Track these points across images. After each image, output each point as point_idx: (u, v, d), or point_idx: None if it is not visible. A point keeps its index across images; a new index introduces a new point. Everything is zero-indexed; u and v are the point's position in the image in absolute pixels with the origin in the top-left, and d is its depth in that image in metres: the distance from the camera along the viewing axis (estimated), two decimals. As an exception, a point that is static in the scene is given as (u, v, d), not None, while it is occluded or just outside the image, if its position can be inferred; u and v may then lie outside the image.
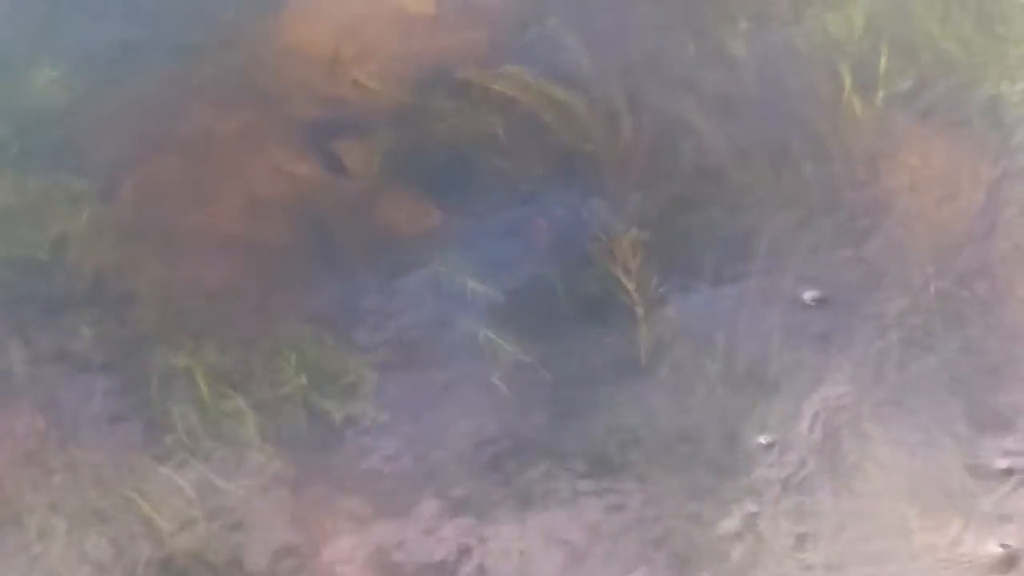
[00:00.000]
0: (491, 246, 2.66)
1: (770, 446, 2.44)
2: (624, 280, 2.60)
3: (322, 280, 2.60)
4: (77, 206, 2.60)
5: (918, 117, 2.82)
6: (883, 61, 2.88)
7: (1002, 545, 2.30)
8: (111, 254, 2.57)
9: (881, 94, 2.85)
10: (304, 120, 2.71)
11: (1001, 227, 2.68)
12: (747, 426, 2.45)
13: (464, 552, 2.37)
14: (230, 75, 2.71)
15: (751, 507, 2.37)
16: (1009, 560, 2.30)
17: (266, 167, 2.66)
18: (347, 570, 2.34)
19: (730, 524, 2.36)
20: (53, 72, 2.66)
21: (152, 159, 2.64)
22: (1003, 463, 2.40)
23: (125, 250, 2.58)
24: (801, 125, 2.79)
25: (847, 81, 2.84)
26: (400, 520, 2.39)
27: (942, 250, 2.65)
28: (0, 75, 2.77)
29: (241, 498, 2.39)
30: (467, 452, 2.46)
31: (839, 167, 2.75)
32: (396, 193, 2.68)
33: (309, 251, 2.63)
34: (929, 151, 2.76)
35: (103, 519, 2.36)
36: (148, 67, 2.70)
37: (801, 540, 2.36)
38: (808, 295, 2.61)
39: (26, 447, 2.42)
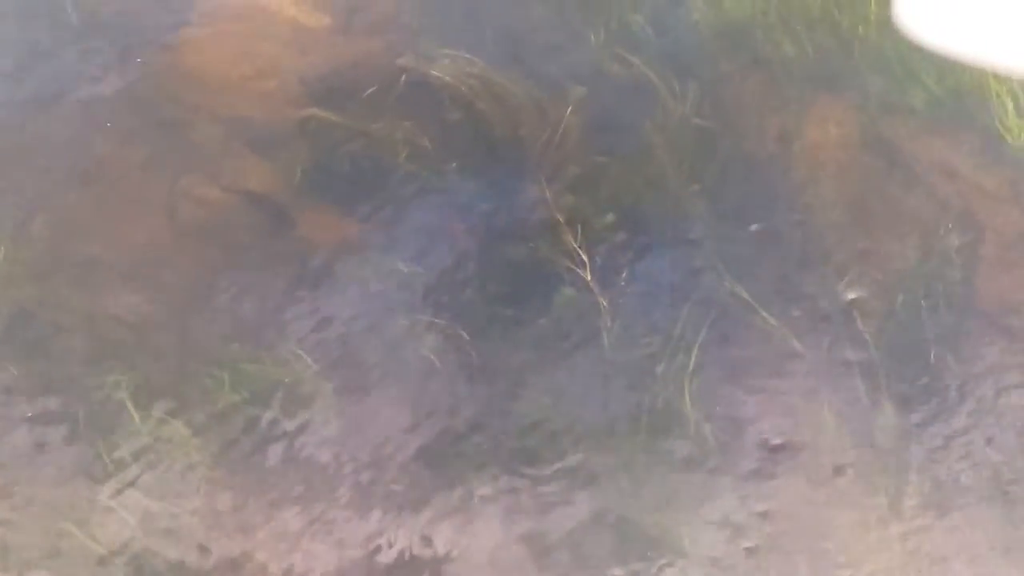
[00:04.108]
0: (419, 246, 2.69)
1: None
2: (569, 263, 2.65)
3: (245, 299, 2.62)
4: (-10, 248, 2.61)
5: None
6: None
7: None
8: (30, 291, 2.58)
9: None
10: (210, 145, 2.73)
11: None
12: (694, 408, 2.51)
13: (406, 552, 2.40)
14: (133, 106, 2.73)
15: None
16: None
17: (176, 195, 2.68)
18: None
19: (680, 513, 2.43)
20: (-48, 116, 2.67)
21: (61, 195, 2.65)
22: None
23: (43, 286, 2.58)
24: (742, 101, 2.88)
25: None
26: (340, 522, 2.42)
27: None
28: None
29: (181, 518, 2.41)
30: (409, 448, 2.50)
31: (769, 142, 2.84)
32: (312, 208, 2.71)
33: (229, 273, 2.65)
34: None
35: (44, 555, 2.37)
36: (47, 103, 2.72)
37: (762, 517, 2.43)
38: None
39: (-40, 492, 2.42)
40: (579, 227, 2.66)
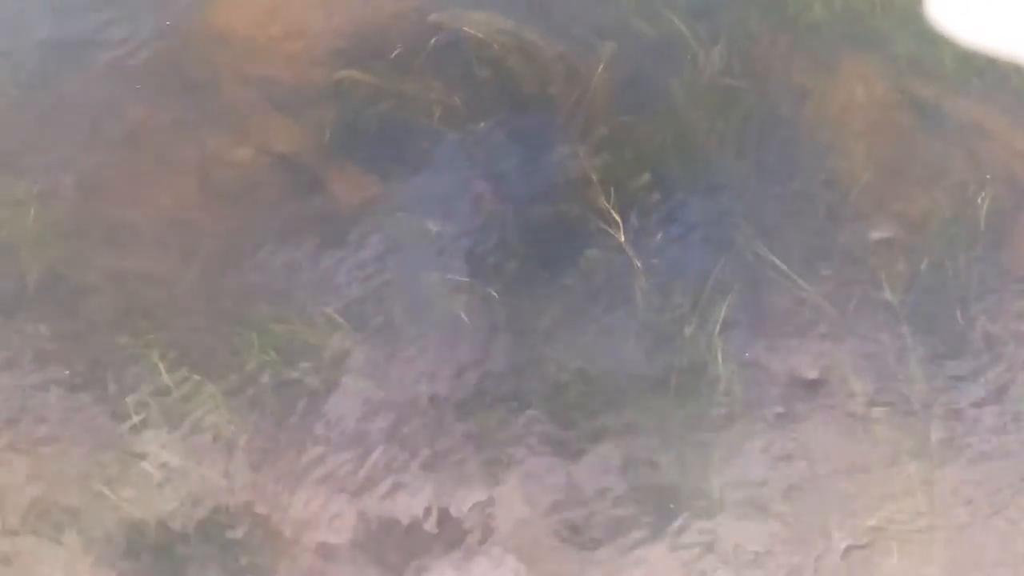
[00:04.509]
0: (448, 205, 2.68)
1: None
2: (601, 224, 2.65)
3: (274, 259, 2.61)
4: (20, 209, 2.61)
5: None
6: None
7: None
8: (60, 251, 2.58)
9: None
10: (238, 106, 2.73)
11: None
12: (724, 365, 2.52)
13: (436, 510, 2.40)
14: (162, 68, 2.73)
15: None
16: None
17: (205, 155, 2.67)
18: (317, 536, 2.38)
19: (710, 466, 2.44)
20: (-16, 78, 2.67)
21: (91, 156, 2.65)
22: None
23: (73, 247, 2.58)
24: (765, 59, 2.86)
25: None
26: (369, 482, 2.42)
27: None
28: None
29: (209, 476, 2.41)
30: (438, 407, 2.50)
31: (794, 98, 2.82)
32: (340, 168, 2.70)
33: (258, 233, 2.64)
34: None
35: (76, 517, 2.37)
36: (78, 65, 2.72)
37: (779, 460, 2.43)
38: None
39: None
40: (612, 188, 2.65)
